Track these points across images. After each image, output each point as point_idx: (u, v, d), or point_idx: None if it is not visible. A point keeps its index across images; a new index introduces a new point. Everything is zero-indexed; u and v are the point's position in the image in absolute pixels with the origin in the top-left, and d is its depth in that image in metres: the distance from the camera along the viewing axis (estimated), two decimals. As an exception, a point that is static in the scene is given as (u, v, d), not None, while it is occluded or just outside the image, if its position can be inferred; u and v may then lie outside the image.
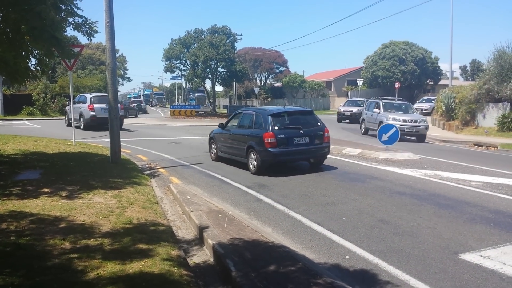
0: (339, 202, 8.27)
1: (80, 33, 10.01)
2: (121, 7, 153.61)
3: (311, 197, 8.72)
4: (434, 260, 5.33)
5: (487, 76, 22.99)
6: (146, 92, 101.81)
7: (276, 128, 11.05)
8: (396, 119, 19.75)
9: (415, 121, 20.11)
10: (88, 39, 10.45)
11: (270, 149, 10.85)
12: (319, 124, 11.79)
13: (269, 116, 11.27)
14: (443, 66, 58.48)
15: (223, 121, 15.62)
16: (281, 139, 10.93)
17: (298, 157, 11.75)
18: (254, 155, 11.24)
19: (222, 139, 13.10)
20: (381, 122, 19.56)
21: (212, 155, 13.76)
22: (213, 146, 13.76)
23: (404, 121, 19.85)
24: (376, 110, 21.62)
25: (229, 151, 12.73)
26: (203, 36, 47.56)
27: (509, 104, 21.30)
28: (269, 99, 59.67)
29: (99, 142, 17.90)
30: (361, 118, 24.39)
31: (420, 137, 20.24)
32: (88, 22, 9.78)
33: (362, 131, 23.37)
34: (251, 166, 11.40)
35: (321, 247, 5.91)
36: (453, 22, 30.75)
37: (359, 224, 6.86)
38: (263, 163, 11.02)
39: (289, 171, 11.33)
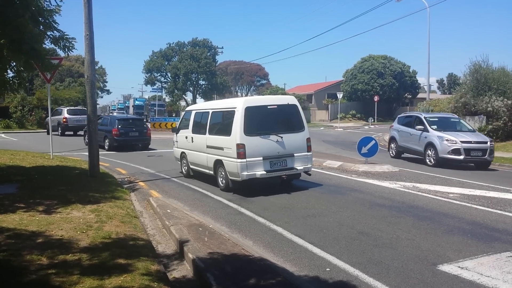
0: (320, 215, 8.31)
1: (58, 47, 9.98)
2: (101, 19, 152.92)
3: (292, 210, 8.74)
4: (413, 271, 5.39)
5: (463, 90, 23.55)
6: (137, 102, 72.87)
7: (119, 126, 20.91)
8: (453, 141, 15.14)
9: (482, 143, 15.28)
10: (65, 53, 10.38)
11: (115, 138, 20.76)
12: (145, 126, 22.50)
13: (116, 120, 21.59)
14: (421, 79, 59.58)
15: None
16: (122, 133, 20.33)
17: (131, 143, 21.02)
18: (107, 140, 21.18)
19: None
20: (430, 143, 15.80)
21: None
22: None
23: (467, 142, 15.08)
24: (419, 127, 16.64)
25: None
26: (184, 49, 47.75)
27: (485, 117, 21.81)
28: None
29: (77, 156, 17.66)
30: (389, 136, 19.58)
31: (484, 164, 15.35)
32: (65, 36, 9.75)
33: (392, 154, 18.63)
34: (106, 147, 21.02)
35: (302, 260, 5.92)
36: (430, 37, 31.54)
37: (340, 237, 6.91)
38: (111, 143, 20.78)
39: (269, 185, 11.34)
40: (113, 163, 16.25)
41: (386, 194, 10.22)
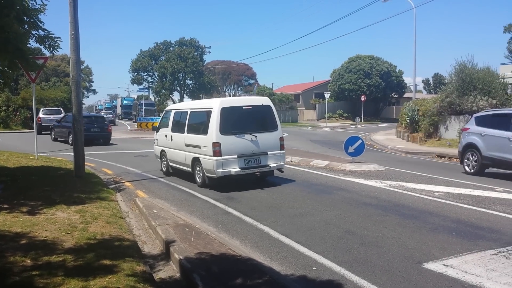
0: (307, 214, 8.33)
1: (43, 46, 9.87)
2: (87, 19, 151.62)
3: (279, 209, 8.75)
4: (399, 269, 5.42)
5: (449, 90, 23.74)
6: (125, 102, 70.27)
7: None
8: None
9: None
10: (50, 53, 10.26)
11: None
12: (106, 122, 25.44)
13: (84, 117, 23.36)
14: (407, 79, 60.08)
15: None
16: (84, 129, 17.08)
17: (93, 138, 23.73)
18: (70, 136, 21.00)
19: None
20: None
21: None
22: None
23: None
24: None
25: None
26: (171, 48, 47.56)
27: (470, 116, 22.03)
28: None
29: (63, 156, 17.47)
30: (463, 142, 14.11)
31: None
32: (50, 35, 9.64)
33: (471, 169, 13.42)
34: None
35: (288, 259, 5.92)
36: (416, 37, 31.76)
37: (326, 235, 6.93)
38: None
39: (256, 184, 11.34)
40: (99, 163, 16.10)
41: (372, 193, 10.28)
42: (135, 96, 76.07)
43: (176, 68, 42.62)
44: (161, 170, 13.76)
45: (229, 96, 66.32)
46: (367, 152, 16.49)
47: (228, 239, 6.83)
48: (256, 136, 10.84)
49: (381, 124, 48.60)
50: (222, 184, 10.77)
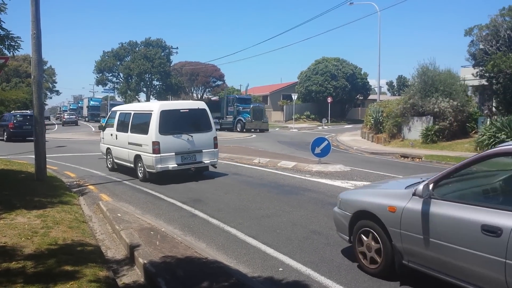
0: (274, 215, 8.36)
1: (2, 46, 9.55)
2: (50, 18, 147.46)
3: (246, 211, 8.74)
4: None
5: (412, 91, 24.34)
6: (92, 103, 65.13)
7: (15, 121, 27.32)
8: None
9: None
10: (10, 53, 9.94)
11: (11, 130, 26.87)
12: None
13: (13, 116, 27.71)
14: (372, 81, 61.57)
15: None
16: (16, 126, 24.55)
17: (25, 135, 26.87)
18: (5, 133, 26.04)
19: None
20: None
21: None
22: None
23: None
24: None
25: None
26: (137, 49, 46.79)
27: (432, 117, 22.67)
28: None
29: (24, 159, 16.92)
30: None
31: None
32: (10, 35, 9.33)
33: None
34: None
35: (255, 261, 5.92)
36: (381, 40, 32.48)
37: (293, 236, 6.97)
38: (8, 134, 24.53)
39: (224, 186, 11.30)
40: (61, 166, 15.67)
41: (338, 193, 10.33)
42: (101, 97, 74.30)
43: (143, 69, 41.99)
44: (107, 166, 14.64)
45: (197, 97, 65.89)
46: (333, 153, 16.69)
47: (194, 242, 6.77)
48: (192, 136, 12.10)
49: (347, 125, 49.34)
50: (162, 178, 11.86)
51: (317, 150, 14.56)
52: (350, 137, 30.48)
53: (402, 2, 62.27)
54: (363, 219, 5.31)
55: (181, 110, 12.35)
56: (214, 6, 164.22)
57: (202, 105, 13.06)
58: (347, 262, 5.75)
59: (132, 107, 14.25)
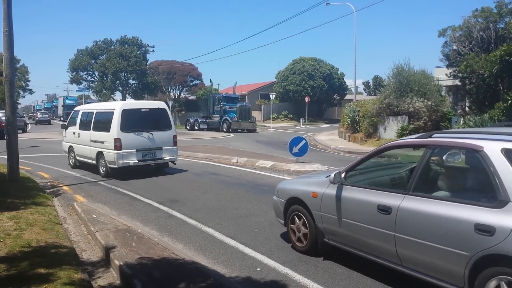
0: (252, 215, 8.34)
1: None
2: (22, 15, 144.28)
3: (224, 211, 8.70)
4: (340, 268, 5.54)
5: (387, 91, 24.65)
6: (68, 102, 63.28)
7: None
8: None
9: None
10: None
11: None
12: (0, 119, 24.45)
13: None
14: (348, 81, 61.82)
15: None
16: None
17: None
18: None
19: None
20: None
21: None
22: None
23: None
24: None
25: None
26: (112, 47, 46.06)
27: (407, 117, 23.02)
28: (183, 112, 59.06)
29: (-5, 159, 16.46)
30: None
31: None
32: None
33: None
34: None
35: (233, 261, 5.90)
36: (357, 40, 32.84)
37: (271, 236, 6.97)
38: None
39: (202, 185, 11.23)
40: (35, 166, 15.34)
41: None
42: (76, 96, 72.53)
43: (118, 67, 41.39)
44: (69, 164, 15.22)
45: (174, 96, 65.31)
46: (311, 152, 16.79)
47: (171, 243, 6.70)
48: (152, 134, 12.73)
49: (324, 124, 49.72)
50: (122, 174, 12.45)
51: (295, 150, 14.61)
52: (328, 137, 30.71)
53: (378, 3, 63.26)
54: (294, 205, 6.15)
55: (142, 110, 13.05)
56: (190, 5, 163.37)
57: (162, 105, 13.73)
58: (327, 262, 5.77)
59: (95, 107, 14.73)
